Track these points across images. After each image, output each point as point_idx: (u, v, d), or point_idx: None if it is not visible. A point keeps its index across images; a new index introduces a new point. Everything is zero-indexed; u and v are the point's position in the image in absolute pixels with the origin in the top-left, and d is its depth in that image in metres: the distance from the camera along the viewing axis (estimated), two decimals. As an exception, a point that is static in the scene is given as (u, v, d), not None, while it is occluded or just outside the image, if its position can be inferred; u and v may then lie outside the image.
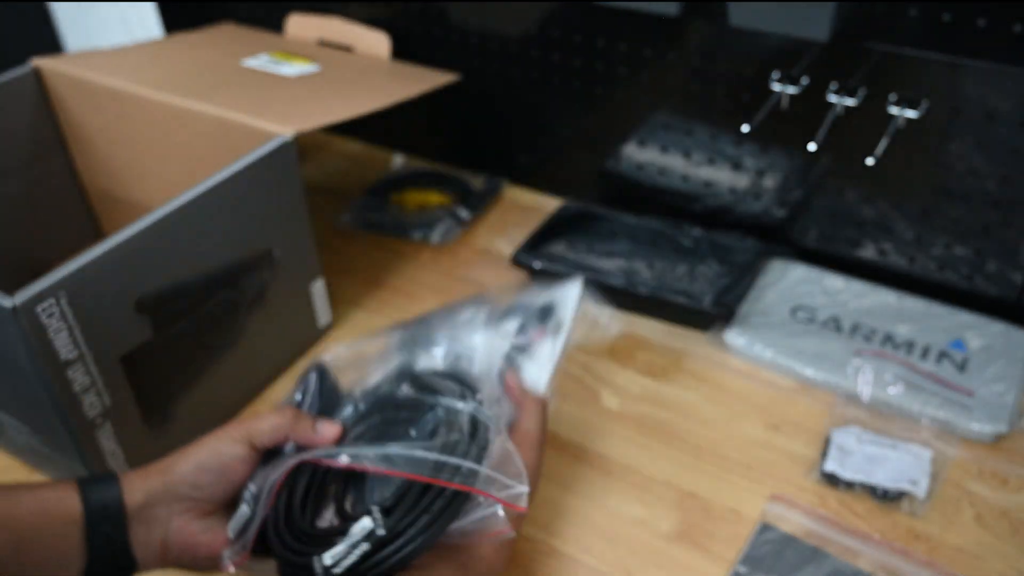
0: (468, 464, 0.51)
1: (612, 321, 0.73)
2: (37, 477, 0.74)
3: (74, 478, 0.52)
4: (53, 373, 0.60)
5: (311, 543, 0.51)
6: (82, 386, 0.63)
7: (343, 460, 0.52)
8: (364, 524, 0.49)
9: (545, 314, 0.70)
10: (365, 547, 0.49)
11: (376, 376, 0.67)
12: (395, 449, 0.51)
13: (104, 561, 0.50)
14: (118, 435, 0.67)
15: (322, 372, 0.62)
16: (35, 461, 0.73)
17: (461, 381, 0.60)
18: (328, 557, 0.49)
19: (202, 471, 0.53)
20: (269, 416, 0.55)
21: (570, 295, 0.72)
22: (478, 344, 0.68)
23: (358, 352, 0.81)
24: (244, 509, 0.53)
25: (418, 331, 0.70)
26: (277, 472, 0.53)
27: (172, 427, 0.73)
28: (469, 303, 0.72)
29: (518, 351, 0.67)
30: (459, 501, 0.50)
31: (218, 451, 0.53)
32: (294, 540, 0.51)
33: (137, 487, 0.52)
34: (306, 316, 0.86)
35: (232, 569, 0.53)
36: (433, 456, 0.51)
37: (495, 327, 0.69)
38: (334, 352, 0.66)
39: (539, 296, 0.72)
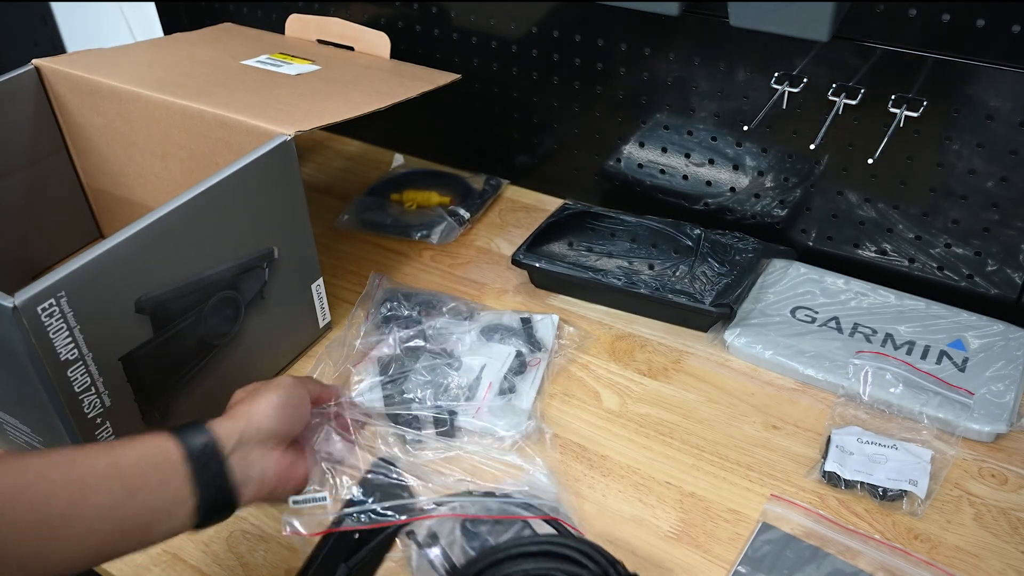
0: None
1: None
2: (37, 477, 0.74)
3: (165, 427, 0.55)
4: (53, 373, 0.60)
5: None
6: (82, 386, 0.63)
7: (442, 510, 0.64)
8: None
9: (532, 340, 0.85)
10: None
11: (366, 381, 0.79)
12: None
13: (212, 498, 0.54)
14: (118, 435, 0.67)
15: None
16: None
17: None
18: None
19: (285, 407, 0.60)
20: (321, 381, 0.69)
21: (549, 325, 0.87)
22: (473, 363, 0.81)
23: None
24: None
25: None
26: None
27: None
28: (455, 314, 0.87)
29: (513, 373, 0.80)
30: None
31: (294, 389, 0.62)
32: None
33: (227, 430, 0.57)
34: (306, 316, 0.86)
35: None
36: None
37: (487, 347, 0.83)
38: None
39: (519, 320, 0.87)
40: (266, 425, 0.59)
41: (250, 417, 0.59)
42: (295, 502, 0.65)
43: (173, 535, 0.53)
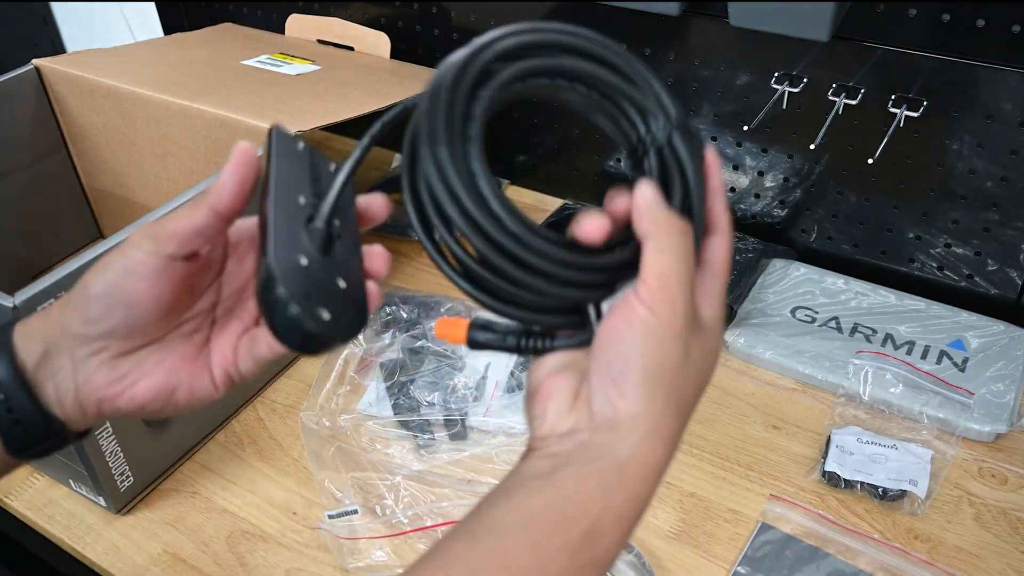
0: None
1: None
2: (37, 476, 0.74)
3: None
4: (53, 373, 0.60)
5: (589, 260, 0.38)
6: (82, 386, 0.63)
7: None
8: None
9: None
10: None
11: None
12: None
13: (17, 433, 0.41)
14: (118, 435, 0.67)
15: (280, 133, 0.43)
16: (35, 461, 0.73)
17: None
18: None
19: (88, 299, 0.40)
20: (179, 208, 0.41)
21: None
22: (477, 362, 0.79)
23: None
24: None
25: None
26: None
27: (171, 427, 0.73)
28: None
29: (520, 369, 0.79)
30: None
31: (105, 267, 0.40)
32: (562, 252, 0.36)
33: (35, 335, 0.41)
34: (306, 316, 0.86)
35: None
36: None
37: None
38: None
39: None
40: (73, 328, 0.40)
41: (62, 312, 0.41)
42: (330, 516, 0.66)
43: None
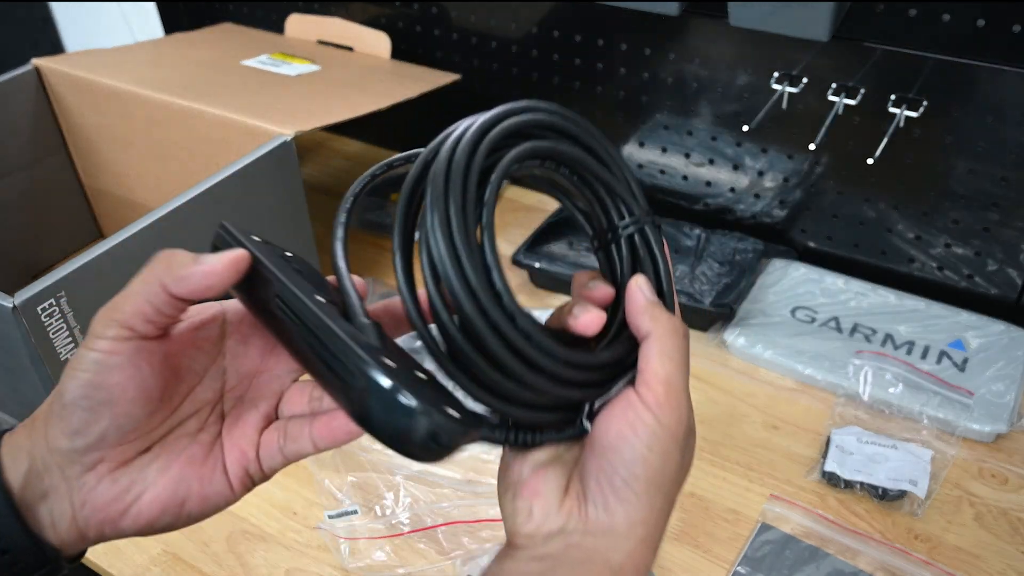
0: None
1: None
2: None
3: None
4: (53, 373, 0.60)
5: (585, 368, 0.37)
6: (82, 386, 0.63)
7: None
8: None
9: None
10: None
11: None
12: None
13: (1, 567, 0.35)
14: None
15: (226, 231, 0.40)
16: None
17: None
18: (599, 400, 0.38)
19: (66, 408, 0.34)
20: (131, 285, 0.35)
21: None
22: None
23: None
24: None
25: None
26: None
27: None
28: None
29: None
30: None
31: (76, 368, 0.34)
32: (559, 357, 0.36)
33: (21, 451, 0.36)
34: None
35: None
36: None
37: None
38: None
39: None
40: (59, 444, 0.35)
41: (47, 422, 0.35)
42: (330, 516, 0.66)
43: None
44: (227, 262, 0.35)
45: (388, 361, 0.32)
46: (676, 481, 0.37)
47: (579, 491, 0.36)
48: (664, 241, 0.42)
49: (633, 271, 0.40)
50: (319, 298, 0.35)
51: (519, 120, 0.39)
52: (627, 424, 0.35)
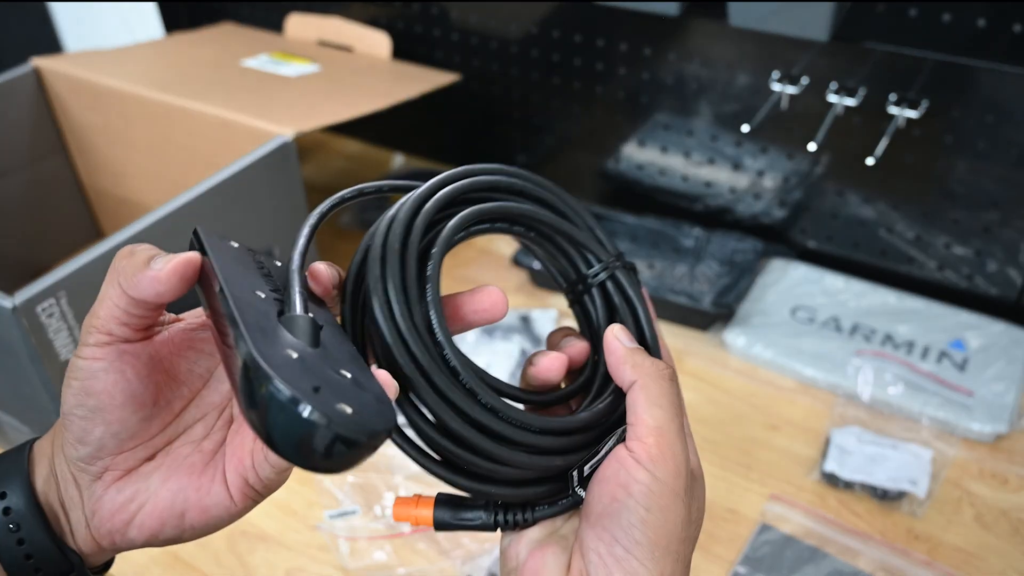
0: None
1: None
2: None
3: None
4: (53, 373, 0.60)
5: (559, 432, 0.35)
6: (82, 386, 0.63)
7: None
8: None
9: (533, 337, 0.82)
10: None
11: None
12: None
13: (27, 571, 0.35)
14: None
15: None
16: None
17: None
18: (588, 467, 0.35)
19: (66, 417, 0.34)
20: (102, 289, 0.34)
21: (549, 321, 0.84)
22: (477, 362, 0.75)
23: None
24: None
25: None
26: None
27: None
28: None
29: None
30: None
31: (69, 377, 0.34)
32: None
33: (44, 458, 0.36)
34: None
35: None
36: None
37: (490, 345, 0.81)
38: None
39: (519, 318, 0.85)
40: (69, 453, 0.35)
41: (61, 435, 0.35)
42: (330, 516, 0.65)
43: None
44: (170, 269, 0.33)
45: (284, 352, 0.29)
46: (685, 538, 0.34)
47: (581, 568, 0.33)
48: (640, 283, 0.40)
49: (610, 320, 0.38)
50: (260, 294, 0.33)
51: (456, 187, 0.37)
52: (620, 486, 0.33)
